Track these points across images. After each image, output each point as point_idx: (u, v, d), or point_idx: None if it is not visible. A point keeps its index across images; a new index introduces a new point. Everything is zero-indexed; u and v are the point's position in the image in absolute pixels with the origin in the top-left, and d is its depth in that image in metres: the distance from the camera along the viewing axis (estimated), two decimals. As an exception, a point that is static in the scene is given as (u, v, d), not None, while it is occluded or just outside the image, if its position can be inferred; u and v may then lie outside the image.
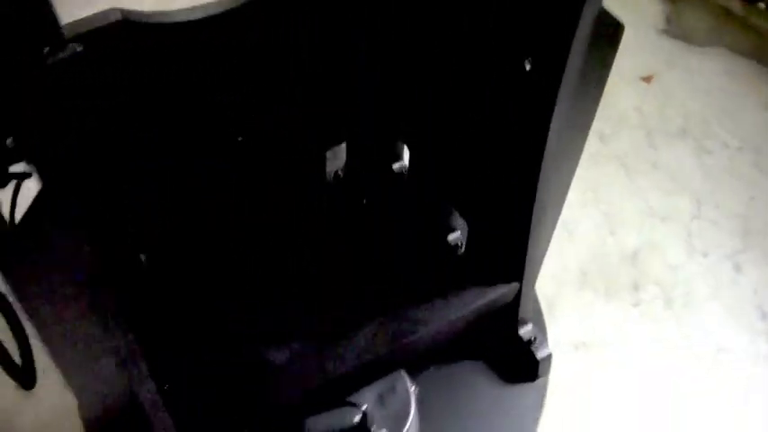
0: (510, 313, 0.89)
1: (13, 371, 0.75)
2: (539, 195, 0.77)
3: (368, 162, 1.04)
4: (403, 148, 1.04)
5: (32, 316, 0.59)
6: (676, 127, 1.33)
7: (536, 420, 0.91)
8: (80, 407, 0.79)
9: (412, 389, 0.87)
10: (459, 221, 0.97)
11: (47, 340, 0.62)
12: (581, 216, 1.20)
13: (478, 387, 0.92)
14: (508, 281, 0.86)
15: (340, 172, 1.03)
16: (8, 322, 0.75)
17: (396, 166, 1.05)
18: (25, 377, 0.77)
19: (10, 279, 0.54)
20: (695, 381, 1.05)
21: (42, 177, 0.45)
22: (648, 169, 1.27)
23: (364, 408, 0.82)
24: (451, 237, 0.97)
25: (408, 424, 0.84)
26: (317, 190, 1.01)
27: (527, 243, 0.82)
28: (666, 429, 1.00)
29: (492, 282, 0.86)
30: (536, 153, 0.73)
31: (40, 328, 0.60)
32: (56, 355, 0.66)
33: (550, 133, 0.70)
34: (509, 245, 0.84)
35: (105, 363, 0.63)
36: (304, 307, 0.92)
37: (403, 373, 0.88)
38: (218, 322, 0.88)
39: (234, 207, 0.91)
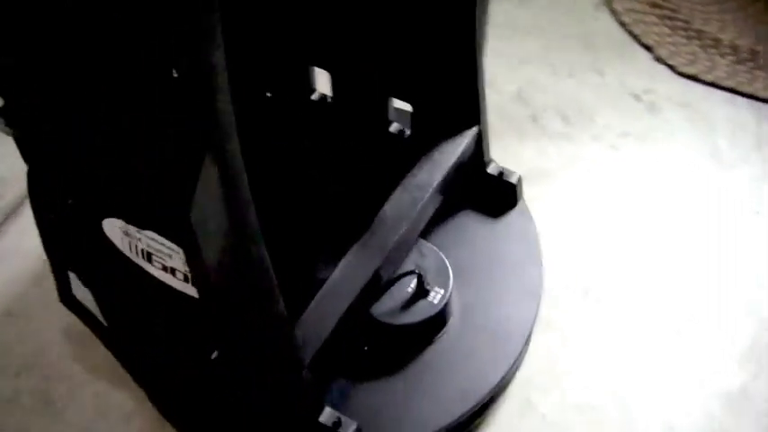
0: (477, 156, 1.03)
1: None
2: (477, 39, 0.91)
3: (286, 98, 1.14)
4: (314, 78, 1.14)
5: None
6: (494, -10, 1.52)
7: (536, 234, 1.06)
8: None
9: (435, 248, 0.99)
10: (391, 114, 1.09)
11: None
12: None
13: (479, 229, 1.06)
14: (470, 127, 1.00)
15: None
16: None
17: (314, 96, 1.15)
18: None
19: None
20: (619, 163, 1.24)
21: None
22: (491, 30, 1.45)
23: (418, 272, 0.93)
24: (392, 128, 1.09)
25: (451, 276, 0.96)
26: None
27: (477, 87, 0.96)
28: (624, 207, 1.19)
29: (457, 132, 1.00)
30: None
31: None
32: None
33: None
34: (461, 96, 0.97)
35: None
36: (315, 226, 1.02)
37: (422, 240, 1.00)
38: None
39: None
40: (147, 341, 0.90)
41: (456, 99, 0.98)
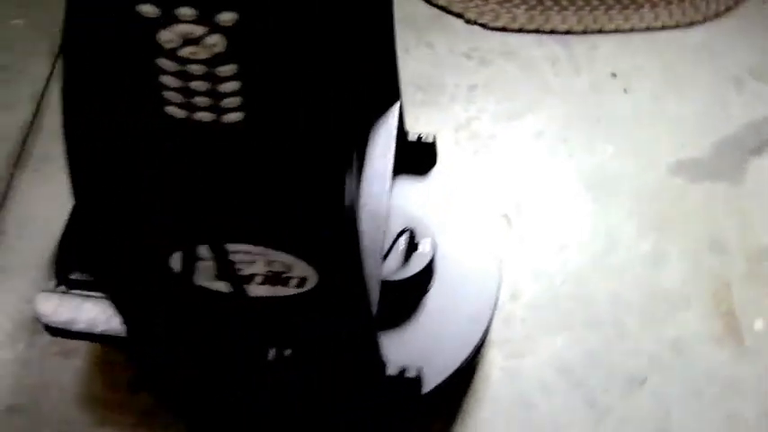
0: (401, 127, 1.18)
1: None
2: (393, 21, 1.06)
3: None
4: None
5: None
6: None
7: (463, 180, 1.23)
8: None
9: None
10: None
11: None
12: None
13: (415, 186, 1.20)
14: (393, 103, 1.14)
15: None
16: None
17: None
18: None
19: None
20: (479, 111, 1.45)
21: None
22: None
23: (409, 229, 1.06)
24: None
25: (429, 225, 1.10)
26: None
27: (396, 67, 1.11)
28: (501, 140, 1.40)
29: (383, 111, 1.14)
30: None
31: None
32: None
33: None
34: (382, 81, 1.11)
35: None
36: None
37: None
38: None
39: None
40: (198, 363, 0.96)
41: (382, 80, 1.12)
